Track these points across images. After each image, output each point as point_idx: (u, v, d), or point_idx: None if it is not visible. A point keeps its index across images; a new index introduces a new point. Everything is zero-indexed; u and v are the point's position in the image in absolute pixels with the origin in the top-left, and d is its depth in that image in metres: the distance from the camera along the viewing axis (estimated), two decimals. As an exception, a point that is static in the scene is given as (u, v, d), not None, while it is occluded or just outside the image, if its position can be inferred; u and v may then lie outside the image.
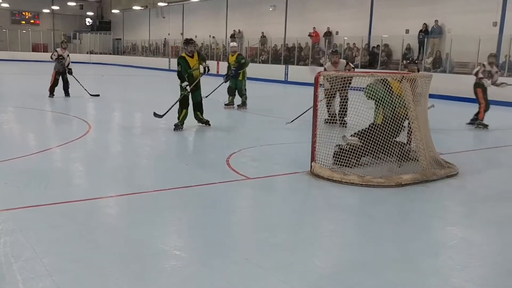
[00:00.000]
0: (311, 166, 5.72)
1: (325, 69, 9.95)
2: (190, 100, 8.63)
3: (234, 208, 4.71)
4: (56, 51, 13.58)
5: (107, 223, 4.11)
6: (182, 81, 8.46)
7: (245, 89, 12.07)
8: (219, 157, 6.50)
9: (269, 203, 4.81)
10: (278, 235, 3.90)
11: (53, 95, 13.54)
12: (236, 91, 12.07)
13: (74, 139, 7.57)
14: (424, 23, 18.85)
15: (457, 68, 17.26)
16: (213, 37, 30.52)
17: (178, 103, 8.59)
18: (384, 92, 5.95)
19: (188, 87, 8.36)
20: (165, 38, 36.11)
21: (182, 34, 34.37)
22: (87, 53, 43.25)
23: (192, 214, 4.42)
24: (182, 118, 8.52)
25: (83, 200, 4.58)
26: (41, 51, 42.01)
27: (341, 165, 5.75)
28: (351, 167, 5.68)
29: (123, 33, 44.04)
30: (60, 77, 13.55)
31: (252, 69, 24.95)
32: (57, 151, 6.82)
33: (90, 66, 35.68)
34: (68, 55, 13.57)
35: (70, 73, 13.41)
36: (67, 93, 13.66)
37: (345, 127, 7.51)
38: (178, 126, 8.50)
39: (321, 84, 5.92)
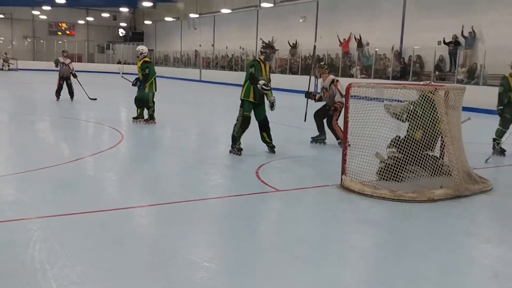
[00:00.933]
0: (341, 179, 5.68)
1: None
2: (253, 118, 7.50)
3: (263, 220, 4.72)
4: (58, 59, 15.16)
5: (139, 232, 4.16)
6: (255, 83, 7.17)
7: (153, 102, 10.75)
8: (248, 168, 6.52)
9: (298, 216, 4.80)
10: (307, 249, 3.88)
11: (59, 98, 14.98)
12: (143, 103, 10.74)
13: (107, 148, 7.73)
14: (455, 34, 18.56)
15: (491, 80, 16.91)
16: (243, 48, 30.76)
17: (238, 120, 7.41)
18: (426, 109, 5.80)
19: (265, 86, 7.11)
20: (195, 50, 36.61)
21: (213, 45, 34.79)
22: (118, 62, 44.20)
23: (222, 226, 4.44)
24: (239, 142, 7.51)
25: (115, 209, 4.66)
26: (75, 61, 43.09)
27: (391, 179, 5.62)
28: (400, 181, 5.57)
29: (155, 44, 44.83)
30: (64, 82, 15.01)
31: (282, 80, 25.14)
32: (90, 160, 6.96)
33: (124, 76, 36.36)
34: (70, 62, 15.18)
35: (75, 76, 15.00)
36: (71, 97, 15.13)
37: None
38: (234, 149, 7.47)
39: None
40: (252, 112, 7.39)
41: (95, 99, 15.01)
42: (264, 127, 7.53)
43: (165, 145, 9.05)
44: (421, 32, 19.91)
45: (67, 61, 15.04)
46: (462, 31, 18.27)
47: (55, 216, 4.37)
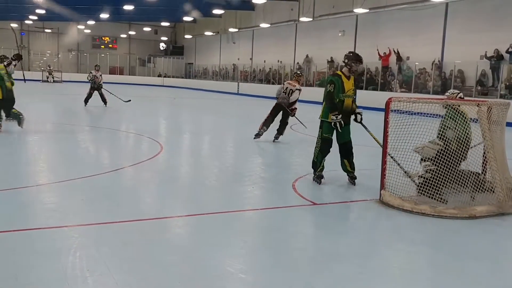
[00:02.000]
0: (380, 194, 5.59)
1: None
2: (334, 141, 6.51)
3: (299, 234, 4.68)
4: (91, 72, 17.20)
5: (176, 242, 4.20)
6: (330, 110, 6.26)
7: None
8: (285, 181, 6.50)
9: (336, 231, 4.74)
10: (345, 265, 3.82)
11: (86, 105, 17.02)
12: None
13: (146, 159, 7.88)
14: (496, 49, 18.08)
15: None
16: (281, 62, 30.89)
17: (318, 144, 6.53)
18: (456, 119, 5.69)
19: (338, 120, 6.22)
20: (233, 64, 37.00)
21: (251, 59, 35.09)
22: (158, 76, 45.16)
23: (258, 238, 4.44)
24: (320, 169, 6.49)
25: (153, 219, 4.73)
26: (117, 74, 44.42)
27: (430, 197, 5.48)
28: (441, 200, 5.43)
29: (195, 58, 45.60)
30: (96, 92, 17.01)
31: (318, 92, 25.01)
32: (130, 170, 7.10)
33: (163, 89, 37.17)
34: (100, 75, 17.22)
35: (101, 87, 17.16)
36: (105, 103, 17.11)
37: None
38: (314, 177, 6.53)
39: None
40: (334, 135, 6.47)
41: (130, 100, 17.33)
42: (346, 152, 6.45)
43: (203, 156, 9.14)
44: (463, 46, 19.50)
45: (99, 73, 17.02)
46: (509, 48, 17.77)
47: (95, 224, 4.48)
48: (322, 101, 6.51)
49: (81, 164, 7.39)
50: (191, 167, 7.90)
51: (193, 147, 10.29)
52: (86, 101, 16.96)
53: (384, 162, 5.65)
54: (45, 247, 3.85)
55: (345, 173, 6.56)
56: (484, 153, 5.70)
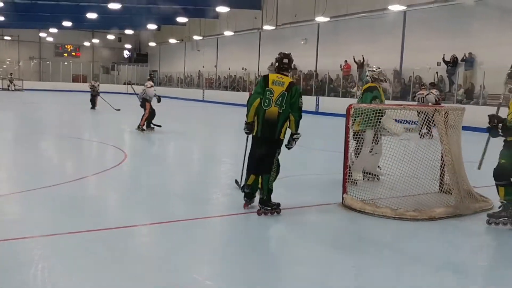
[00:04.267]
0: (342, 197, 5.72)
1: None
2: None
3: (264, 240, 4.75)
4: (91, 82, 20.56)
5: (141, 251, 4.20)
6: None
7: None
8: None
9: (300, 235, 4.82)
10: (308, 268, 3.91)
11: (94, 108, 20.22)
12: None
13: (110, 167, 7.80)
14: (453, 55, 18.73)
15: (490, 100, 17.02)
16: (245, 69, 31.06)
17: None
18: None
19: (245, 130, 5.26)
20: (199, 71, 36.95)
21: (216, 66, 35.13)
22: (124, 83, 44.57)
23: (223, 244, 4.48)
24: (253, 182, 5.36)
25: (117, 228, 4.70)
26: (80, 82, 43.61)
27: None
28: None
29: (159, 65, 45.30)
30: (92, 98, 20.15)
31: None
32: (93, 179, 7.01)
33: (128, 97, 36.69)
34: (98, 85, 20.90)
35: (98, 94, 20.53)
36: (93, 107, 20.38)
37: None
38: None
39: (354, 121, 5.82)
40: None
41: (119, 109, 18.43)
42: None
43: (168, 164, 9.11)
44: (421, 53, 20.10)
45: (97, 84, 21.00)
46: (463, 56, 18.43)
47: (58, 234, 4.42)
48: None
49: (43, 174, 7.26)
50: (156, 174, 7.85)
51: (158, 155, 10.24)
52: (93, 104, 20.66)
53: (345, 167, 5.79)
54: (6, 259, 3.78)
55: (309, 177, 6.67)
56: (442, 156, 5.92)
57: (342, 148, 5.92)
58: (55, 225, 4.73)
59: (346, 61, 23.73)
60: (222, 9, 28.03)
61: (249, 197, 5.42)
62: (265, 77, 5.18)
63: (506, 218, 5.06)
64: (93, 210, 5.40)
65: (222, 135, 10.21)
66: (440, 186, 6.20)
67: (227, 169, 8.50)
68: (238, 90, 30.11)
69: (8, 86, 37.09)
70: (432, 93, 13.90)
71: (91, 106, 20.62)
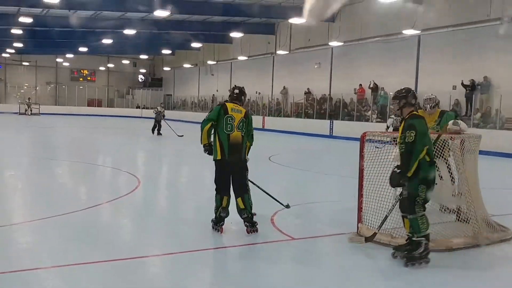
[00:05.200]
0: (357, 227, 5.63)
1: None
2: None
3: (278, 271, 4.66)
4: (157, 108, 21.33)
5: (153, 283, 4.14)
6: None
7: None
8: (264, 215, 6.48)
9: (314, 266, 4.73)
10: (323, 301, 3.82)
11: (153, 134, 20.79)
12: None
13: (123, 194, 7.79)
14: (472, 79, 18.62)
15: (508, 124, 16.84)
16: (259, 93, 31.25)
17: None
18: None
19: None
20: (212, 95, 37.23)
21: (229, 90, 35.39)
22: (136, 107, 45.14)
23: (237, 275, 4.41)
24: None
25: (130, 258, 4.66)
26: (95, 106, 44.32)
27: None
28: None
29: (173, 89, 45.80)
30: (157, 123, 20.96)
31: (297, 124, 25.34)
32: (106, 207, 7.00)
33: (142, 120, 37.08)
34: (164, 110, 21.67)
35: (162, 119, 21.10)
36: (158, 132, 20.76)
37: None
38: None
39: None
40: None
41: (182, 135, 18.87)
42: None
43: (181, 191, 9.08)
44: (436, 76, 20.04)
45: (162, 109, 21.45)
46: (483, 80, 18.33)
47: (71, 265, 4.39)
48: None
49: (57, 201, 7.27)
50: (169, 202, 7.86)
51: (171, 181, 10.23)
52: (153, 130, 20.85)
53: (360, 195, 5.71)
54: (18, 291, 3.76)
55: (322, 205, 6.60)
56: (459, 186, 5.82)
57: (356, 174, 5.83)
58: (68, 255, 4.71)
59: (360, 84, 23.74)
60: (236, 34, 28.40)
61: (223, 221, 5.64)
62: (223, 105, 5.72)
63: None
64: (106, 239, 5.38)
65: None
66: (457, 215, 6.07)
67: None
68: (252, 114, 30.24)
69: (26, 110, 37.74)
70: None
71: (154, 132, 20.60)
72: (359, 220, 5.66)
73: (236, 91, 5.92)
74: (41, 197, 7.65)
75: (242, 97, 5.89)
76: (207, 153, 5.70)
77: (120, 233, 5.78)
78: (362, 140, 5.74)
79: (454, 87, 19.27)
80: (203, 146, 5.67)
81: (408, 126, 4.70)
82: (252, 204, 5.63)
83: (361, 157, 5.68)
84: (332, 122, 23.47)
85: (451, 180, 6.24)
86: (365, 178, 5.72)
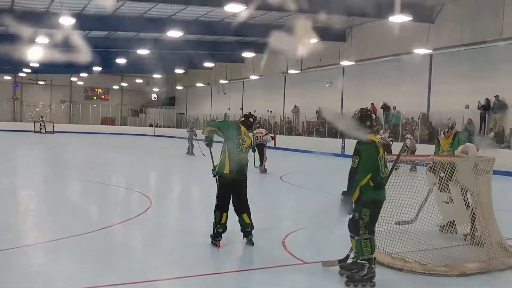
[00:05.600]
0: (369, 251, 5.55)
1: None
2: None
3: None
4: (190, 127, 21.89)
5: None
6: None
7: None
8: (275, 238, 6.45)
9: (325, 291, 4.68)
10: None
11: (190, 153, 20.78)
12: None
13: (135, 215, 7.80)
14: (487, 98, 18.52)
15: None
16: (271, 111, 31.36)
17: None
18: None
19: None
20: (225, 113, 37.44)
21: (241, 109, 35.56)
22: (149, 125, 45.51)
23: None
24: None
25: (141, 282, 4.64)
26: (109, 124, 44.79)
27: None
28: None
29: (186, 108, 46.14)
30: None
31: (308, 142, 25.31)
32: (118, 228, 7.01)
33: (155, 139, 37.34)
34: (195, 130, 21.64)
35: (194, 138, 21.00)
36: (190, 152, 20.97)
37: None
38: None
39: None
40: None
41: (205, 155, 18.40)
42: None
43: (192, 212, 9.07)
44: (448, 96, 19.96)
45: (193, 128, 21.75)
46: (495, 100, 18.22)
47: (81, 288, 4.40)
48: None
49: (69, 222, 7.27)
50: (180, 223, 7.83)
51: (183, 201, 10.23)
52: (190, 151, 20.93)
53: (373, 219, 5.64)
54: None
55: (333, 229, 6.53)
56: (472, 209, 5.75)
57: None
58: (79, 278, 4.71)
59: (372, 104, 23.70)
60: (248, 54, 28.63)
61: (220, 236, 5.96)
62: (239, 127, 6.19)
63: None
64: (117, 261, 5.38)
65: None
66: (471, 238, 5.99)
67: (257, 216, 8.41)
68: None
69: (40, 129, 38.22)
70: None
71: (190, 151, 20.89)
72: (371, 244, 5.58)
73: (251, 119, 6.42)
74: (54, 218, 7.69)
75: (252, 124, 6.53)
76: (206, 144, 6.25)
77: (131, 255, 5.77)
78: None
79: (467, 106, 19.18)
80: (205, 138, 6.25)
81: (354, 152, 4.67)
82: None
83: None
84: (344, 141, 23.41)
85: (465, 204, 6.18)
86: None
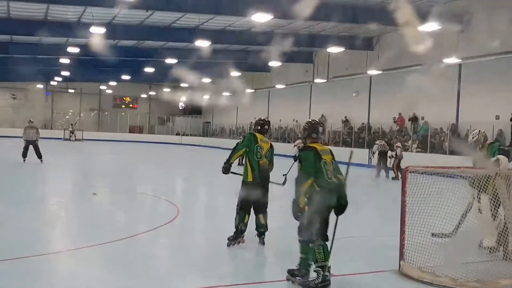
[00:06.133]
0: (399, 264, 5.45)
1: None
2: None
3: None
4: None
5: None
6: None
7: None
8: (295, 250, 6.38)
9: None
10: None
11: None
12: None
13: (163, 224, 7.83)
14: (519, 109, 18.09)
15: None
16: (296, 120, 31.30)
17: None
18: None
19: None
20: (250, 122, 37.50)
21: (257, 121, 35.59)
22: (176, 134, 45.96)
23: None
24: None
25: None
26: (137, 132, 45.41)
27: None
28: None
29: (212, 117, 46.41)
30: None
31: (334, 152, 25.02)
32: (144, 237, 7.03)
33: (182, 147, 37.65)
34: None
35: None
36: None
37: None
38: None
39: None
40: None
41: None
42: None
43: (222, 220, 9.07)
44: (478, 106, 19.54)
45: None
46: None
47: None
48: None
49: (95, 230, 7.36)
50: (209, 232, 7.81)
51: (211, 209, 10.23)
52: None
53: (402, 232, 5.55)
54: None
55: (362, 239, 6.45)
56: (505, 224, 5.60)
57: (396, 207, 5.67)
58: (107, 285, 4.75)
59: (400, 114, 23.42)
60: (274, 63, 28.71)
61: (243, 233, 6.41)
62: (254, 135, 6.50)
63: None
64: (143, 271, 5.37)
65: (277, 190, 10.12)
66: (504, 253, 5.82)
67: (276, 227, 8.35)
68: (288, 142, 30.18)
69: (70, 136, 39.02)
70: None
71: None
72: (401, 257, 5.49)
73: (266, 126, 6.73)
74: (82, 226, 7.78)
75: (268, 130, 6.81)
76: (224, 170, 6.41)
77: (157, 265, 5.77)
78: (404, 175, 5.60)
79: (497, 117, 18.74)
80: (227, 163, 6.36)
81: (298, 158, 5.06)
82: None
83: (403, 192, 5.54)
84: (371, 152, 23.15)
85: (492, 215, 6.03)
86: (407, 214, 5.57)
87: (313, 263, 4.78)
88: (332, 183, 4.85)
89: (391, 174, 17.01)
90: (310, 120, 5.49)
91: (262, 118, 6.92)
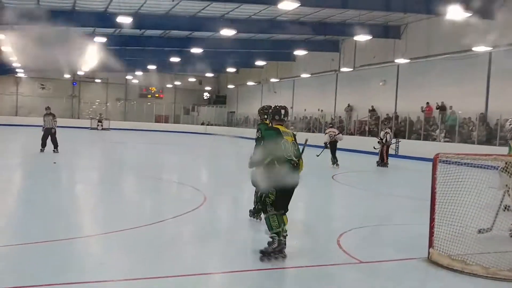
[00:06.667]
0: (428, 252, 5.38)
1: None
2: None
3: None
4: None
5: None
6: None
7: None
8: (329, 236, 6.37)
9: (382, 292, 4.56)
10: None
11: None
12: None
13: (189, 210, 7.89)
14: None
15: None
16: (321, 110, 31.06)
17: None
18: None
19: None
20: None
21: (291, 107, 35.44)
22: (201, 124, 46.23)
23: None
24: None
25: (192, 275, 4.68)
26: (162, 122, 45.83)
27: None
28: None
29: (237, 106, 46.49)
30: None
31: (360, 142, 24.86)
32: (171, 223, 7.08)
33: (207, 137, 37.87)
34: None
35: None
36: None
37: None
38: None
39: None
40: None
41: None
42: None
43: (247, 208, 9.11)
44: (508, 96, 19.03)
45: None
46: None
47: (132, 279, 4.49)
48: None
49: (122, 216, 7.47)
50: (235, 220, 7.83)
51: (237, 198, 10.25)
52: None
53: (432, 219, 5.47)
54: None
55: (389, 228, 6.38)
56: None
57: (425, 196, 5.59)
58: (134, 269, 4.81)
59: (428, 103, 23.00)
60: (299, 52, 28.52)
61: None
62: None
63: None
64: (169, 255, 5.41)
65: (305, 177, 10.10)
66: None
67: (304, 215, 8.35)
68: (313, 132, 30.02)
69: (98, 125, 39.69)
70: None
71: None
72: (431, 245, 5.41)
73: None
74: (111, 211, 7.90)
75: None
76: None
77: (183, 250, 5.78)
78: (434, 161, 5.51)
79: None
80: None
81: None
82: None
83: (434, 179, 5.45)
84: (398, 142, 22.85)
85: None
86: (437, 201, 5.48)
87: (269, 230, 5.21)
88: (291, 161, 5.25)
89: (376, 159, 16.94)
90: (275, 105, 5.86)
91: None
